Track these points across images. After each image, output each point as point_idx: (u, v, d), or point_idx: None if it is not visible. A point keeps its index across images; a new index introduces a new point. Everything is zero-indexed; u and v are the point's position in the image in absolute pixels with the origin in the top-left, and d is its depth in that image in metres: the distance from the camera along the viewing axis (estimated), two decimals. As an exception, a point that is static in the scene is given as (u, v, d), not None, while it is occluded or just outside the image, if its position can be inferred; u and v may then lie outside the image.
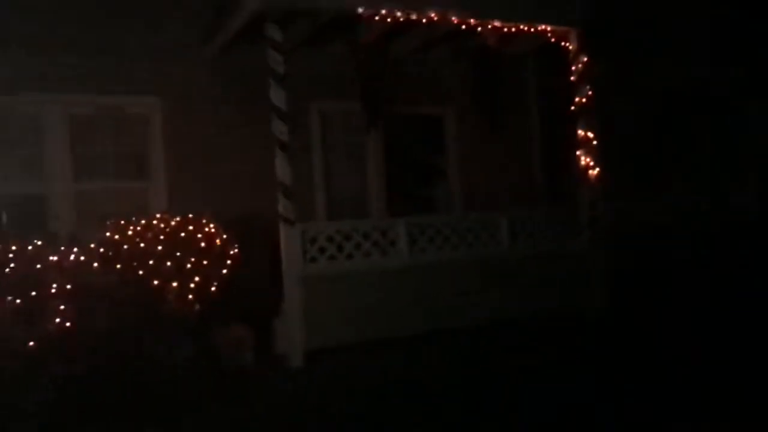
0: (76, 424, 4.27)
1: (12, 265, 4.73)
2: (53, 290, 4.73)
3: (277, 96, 5.77)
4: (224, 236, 5.75)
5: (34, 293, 4.62)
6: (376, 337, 6.08)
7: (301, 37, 6.68)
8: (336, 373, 5.55)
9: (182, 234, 5.51)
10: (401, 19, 6.30)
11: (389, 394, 4.92)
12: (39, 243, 5.07)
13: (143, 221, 5.62)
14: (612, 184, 7.49)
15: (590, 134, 7.12)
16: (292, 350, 5.80)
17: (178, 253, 5.30)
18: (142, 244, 5.29)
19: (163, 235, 5.43)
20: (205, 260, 5.41)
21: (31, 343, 4.43)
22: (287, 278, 5.83)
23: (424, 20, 6.33)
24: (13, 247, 4.92)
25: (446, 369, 5.49)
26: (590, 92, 7.13)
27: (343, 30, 6.83)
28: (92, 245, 5.26)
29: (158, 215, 5.81)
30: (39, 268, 4.83)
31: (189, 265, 5.30)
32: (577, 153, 7.16)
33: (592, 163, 7.10)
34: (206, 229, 5.68)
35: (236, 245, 5.81)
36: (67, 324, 4.62)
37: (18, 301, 4.52)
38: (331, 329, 5.93)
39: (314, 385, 5.31)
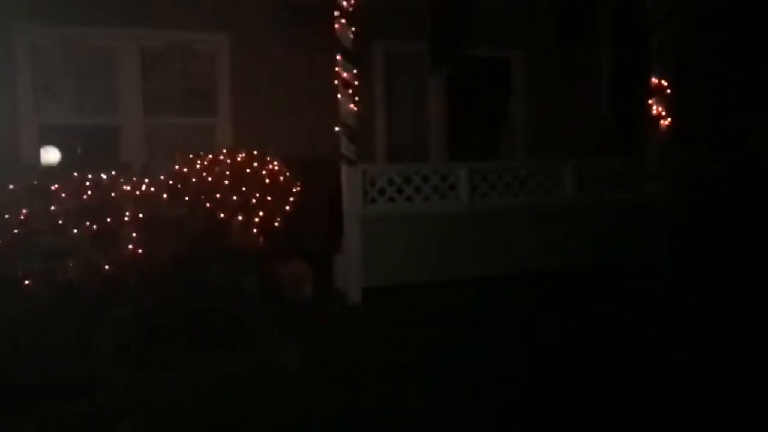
0: (147, 342, 4.53)
1: (89, 192, 4.95)
2: (126, 218, 4.94)
3: (344, 34, 5.73)
4: (287, 174, 5.85)
5: (108, 220, 4.84)
6: (431, 279, 6.17)
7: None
8: (391, 310, 5.67)
9: (248, 170, 5.62)
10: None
11: (441, 329, 5.03)
12: (113, 173, 5.28)
13: (210, 156, 5.76)
14: (686, 134, 7.19)
15: (664, 82, 6.80)
16: (350, 287, 5.94)
17: (244, 188, 5.43)
18: (209, 178, 5.43)
19: (229, 170, 5.56)
20: (270, 196, 5.53)
21: (107, 266, 4.67)
22: (347, 217, 5.92)
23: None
24: (90, 176, 5.14)
25: (501, 311, 5.52)
26: (667, 38, 6.77)
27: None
28: (162, 177, 5.44)
29: (225, 150, 5.94)
30: (113, 197, 5.03)
31: (254, 200, 5.43)
32: (650, 101, 6.87)
33: (664, 112, 6.81)
34: (270, 166, 5.79)
35: (299, 183, 5.91)
36: (139, 250, 4.83)
37: (95, 227, 4.75)
38: (387, 269, 6.03)
39: (369, 320, 5.45)
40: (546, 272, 6.41)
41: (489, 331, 4.97)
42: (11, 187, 4.93)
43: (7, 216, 4.67)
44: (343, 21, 5.69)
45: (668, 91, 6.79)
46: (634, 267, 6.63)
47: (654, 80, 6.84)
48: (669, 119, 6.80)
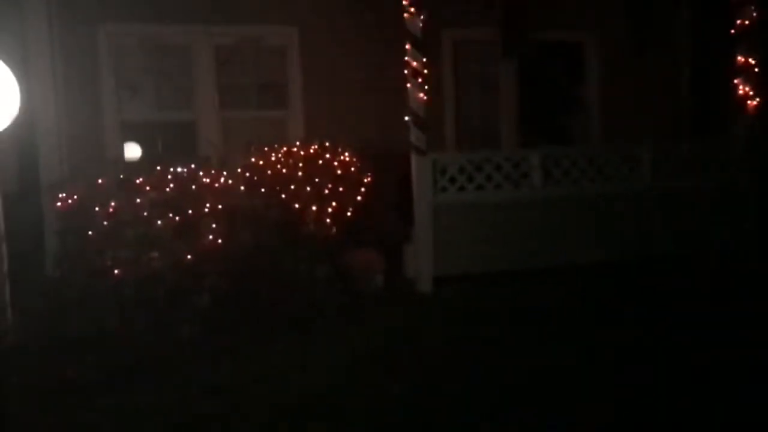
0: (225, 328, 4.70)
1: (171, 185, 5.16)
2: (206, 210, 5.12)
3: (412, 23, 5.72)
4: (358, 164, 5.92)
5: (189, 211, 5.03)
6: (503, 268, 6.09)
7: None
8: (462, 299, 5.66)
9: (320, 161, 5.73)
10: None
11: (512, 320, 4.97)
12: (192, 166, 5.48)
13: (284, 148, 5.89)
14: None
15: (751, 60, 6.44)
16: (421, 276, 5.95)
17: (317, 179, 5.54)
18: (283, 170, 5.57)
19: (302, 161, 5.68)
20: (341, 187, 5.62)
21: (188, 256, 4.87)
22: (417, 206, 5.93)
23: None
24: (171, 169, 5.36)
25: (574, 303, 5.40)
26: (755, 13, 6.40)
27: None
28: (239, 170, 5.61)
29: (298, 143, 6.06)
30: (193, 189, 5.23)
31: (326, 191, 5.53)
32: (735, 81, 6.52)
33: (751, 93, 6.45)
34: (342, 157, 5.87)
35: (370, 173, 5.96)
36: (219, 241, 5.01)
37: (177, 218, 4.95)
38: (458, 258, 6.00)
39: (440, 308, 5.47)
40: (623, 262, 6.21)
41: (563, 324, 4.86)
42: (100, 181, 5.20)
43: (96, 209, 4.93)
44: (412, 10, 5.68)
45: (756, 69, 6.42)
46: (719, 258, 6.30)
47: (740, 58, 6.48)
48: (757, 100, 6.43)
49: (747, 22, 6.43)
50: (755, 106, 6.46)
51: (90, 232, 4.90)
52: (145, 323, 4.64)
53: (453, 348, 4.45)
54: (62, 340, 4.45)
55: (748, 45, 6.47)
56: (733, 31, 6.51)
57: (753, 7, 6.40)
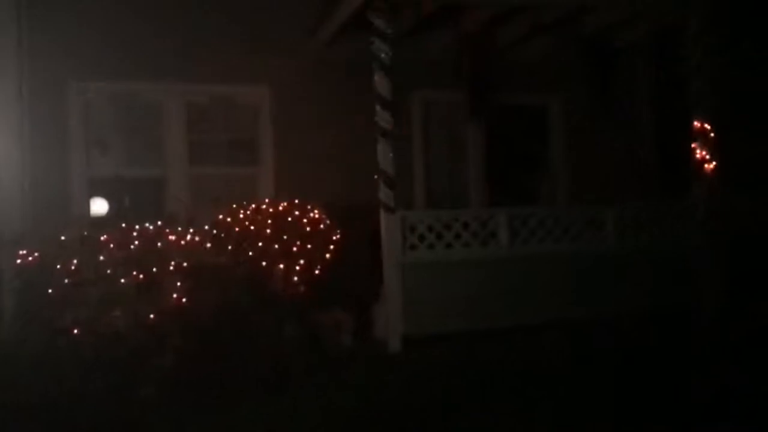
0: (189, 390, 4.55)
1: (136, 242, 5.09)
2: (171, 267, 5.05)
3: (382, 85, 5.85)
4: (328, 222, 5.93)
5: (154, 269, 4.95)
6: (473, 327, 6.06)
7: (405, 27, 6.73)
8: (430, 360, 5.58)
9: (289, 218, 5.73)
10: (508, 6, 6.19)
11: (481, 383, 4.91)
12: (159, 223, 5.43)
13: (253, 205, 5.89)
14: (731, 179, 7.04)
15: (707, 125, 6.71)
16: (390, 336, 5.89)
17: (285, 237, 5.53)
18: (251, 227, 5.55)
19: (271, 218, 5.67)
20: (310, 244, 5.61)
21: (152, 315, 4.76)
22: (387, 265, 5.92)
23: (532, 6, 6.20)
24: (137, 226, 5.29)
25: (539, 363, 5.37)
26: (708, 81, 6.72)
27: (447, 18, 6.81)
28: (206, 226, 5.58)
29: (267, 200, 6.06)
30: (159, 247, 5.17)
31: (295, 248, 5.52)
32: (693, 145, 6.78)
33: (708, 156, 6.70)
34: (311, 215, 5.88)
35: (339, 231, 5.97)
36: (183, 299, 4.92)
37: (141, 276, 4.87)
38: (428, 317, 5.97)
39: (408, 369, 5.37)
40: (587, 321, 6.22)
41: (530, 383, 4.82)
42: (62, 237, 5.11)
43: (58, 266, 4.82)
44: (381, 73, 5.82)
45: (712, 134, 6.69)
46: (676, 317, 6.37)
47: (696, 124, 6.75)
48: (714, 163, 6.68)
49: (701, 89, 6.72)
50: (712, 169, 6.69)
51: (50, 290, 4.78)
52: (106, 385, 4.48)
53: (417, 413, 4.36)
54: (16, 404, 4.26)
55: (703, 110, 6.75)
56: (689, 97, 6.79)
57: (706, 75, 6.71)
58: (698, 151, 6.73)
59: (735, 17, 8.06)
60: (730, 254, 6.76)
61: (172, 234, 5.27)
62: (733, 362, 5.11)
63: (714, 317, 6.46)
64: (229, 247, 5.37)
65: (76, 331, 4.64)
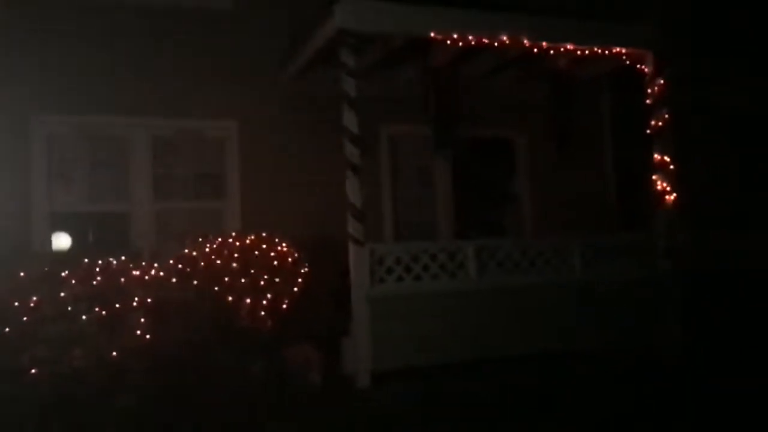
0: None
1: (99, 278, 4.98)
2: (134, 303, 4.95)
3: (350, 119, 5.89)
4: (296, 255, 5.89)
5: (117, 305, 4.85)
6: (442, 360, 6.04)
7: (373, 61, 6.83)
8: (400, 396, 5.52)
9: (256, 252, 5.67)
10: (473, 43, 6.33)
11: (451, 418, 4.87)
12: (123, 258, 5.34)
13: (219, 239, 5.82)
14: (691, 211, 7.23)
15: (667, 158, 6.91)
16: (359, 371, 5.82)
17: (252, 271, 5.46)
18: (218, 261, 5.48)
19: (237, 252, 5.61)
20: (278, 278, 5.55)
21: (114, 353, 4.64)
22: (355, 298, 5.88)
23: (495, 44, 6.35)
24: (99, 262, 5.19)
25: (509, 397, 5.36)
26: (667, 115, 6.94)
27: (414, 53, 6.93)
28: (171, 261, 5.48)
29: (233, 233, 6.00)
30: (122, 282, 5.07)
31: (262, 282, 5.45)
32: (653, 177, 6.96)
33: (668, 188, 6.88)
34: (279, 248, 5.84)
35: (307, 265, 5.93)
36: (147, 336, 4.81)
37: (103, 312, 4.76)
38: (398, 351, 5.93)
39: (379, 406, 5.30)
40: (556, 353, 6.27)
41: (501, 417, 4.80)
42: (22, 274, 4.98)
43: (16, 303, 4.68)
44: (349, 108, 5.87)
45: (671, 167, 6.88)
46: (642, 350, 6.45)
47: (656, 156, 6.94)
48: (674, 195, 6.86)
49: (660, 123, 6.94)
50: (672, 200, 6.86)
51: (6, 329, 4.63)
52: (66, 427, 4.32)
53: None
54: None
55: (663, 143, 6.96)
56: (648, 131, 7.00)
57: (664, 110, 6.94)
58: (659, 183, 6.91)
59: (694, 53, 8.39)
60: (690, 289, 6.90)
61: (135, 269, 5.19)
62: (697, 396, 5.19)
63: (676, 351, 6.55)
64: (195, 282, 5.27)
65: (34, 371, 4.49)
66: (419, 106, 7.80)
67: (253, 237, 5.87)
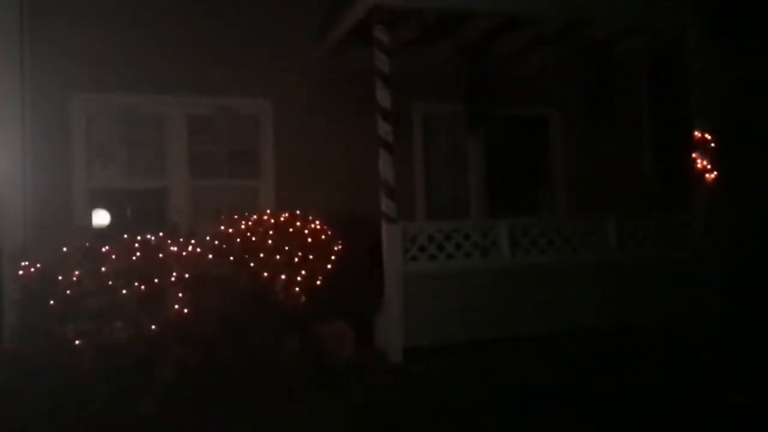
0: (190, 402, 4.54)
1: (137, 253, 5.09)
2: (173, 278, 5.05)
3: (383, 96, 5.87)
4: (329, 233, 5.93)
5: (156, 280, 4.95)
6: (474, 337, 6.06)
7: (406, 39, 6.77)
8: (432, 371, 5.57)
9: (290, 229, 5.73)
10: (508, 18, 6.22)
11: (484, 394, 4.89)
12: (160, 234, 5.44)
13: (254, 216, 5.89)
14: (731, 189, 7.05)
15: (708, 135, 6.73)
16: (391, 347, 5.87)
17: (287, 248, 5.52)
18: (253, 238, 5.55)
19: (272, 229, 5.67)
20: (311, 255, 5.60)
21: (153, 327, 4.76)
22: (387, 275, 5.92)
23: (532, 19, 6.23)
24: (138, 237, 5.30)
25: (544, 374, 5.36)
26: (709, 91, 6.74)
27: (448, 31, 6.85)
28: (207, 238, 5.58)
29: (268, 211, 6.07)
30: (161, 258, 5.17)
31: (296, 259, 5.51)
32: (693, 155, 6.79)
33: (709, 167, 6.71)
34: (312, 226, 5.88)
35: (340, 242, 5.97)
36: (185, 310, 4.92)
37: (142, 287, 4.87)
38: (429, 328, 5.96)
39: (410, 381, 5.35)
40: (590, 330, 6.23)
41: (533, 395, 4.80)
42: (64, 249, 5.12)
43: (60, 277, 4.82)
44: (382, 85, 5.85)
45: (712, 144, 6.70)
46: (681, 327, 6.38)
47: (697, 134, 6.77)
48: (714, 173, 6.69)
49: (702, 99, 6.75)
50: (713, 179, 6.70)
51: (51, 302, 4.78)
52: (106, 397, 4.47)
53: (420, 427, 4.33)
54: (17, 415, 4.25)
55: (704, 120, 6.77)
56: (688, 108, 6.82)
57: (707, 86, 6.74)
58: (699, 161, 6.74)
59: (735, 29, 8.10)
60: (731, 266, 6.76)
61: (173, 245, 5.27)
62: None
63: (716, 326, 6.46)
64: (231, 258, 5.36)
65: (77, 342, 4.64)
66: (453, 84, 7.73)
67: (287, 214, 5.92)
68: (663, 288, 6.54)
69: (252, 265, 5.37)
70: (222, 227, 5.73)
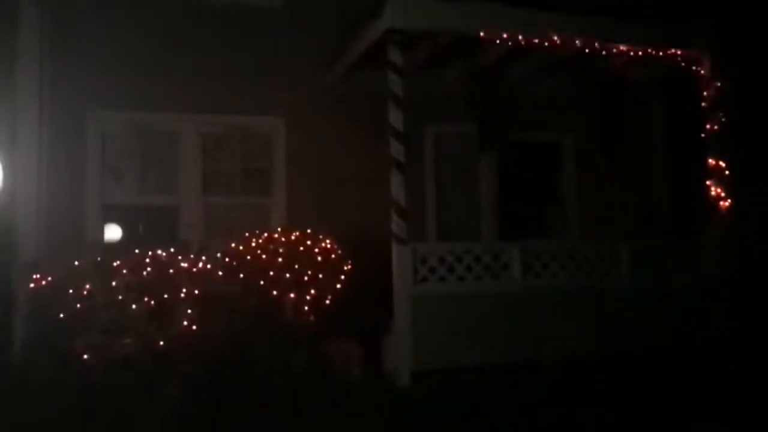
0: (196, 421, 4.50)
1: (148, 269, 5.11)
2: (182, 295, 5.05)
3: (396, 118, 5.90)
4: (339, 252, 5.93)
5: (165, 296, 4.96)
6: (483, 361, 5.98)
7: (420, 61, 6.81)
8: (440, 396, 5.50)
9: (300, 248, 5.73)
10: (522, 43, 6.26)
11: (492, 420, 4.82)
12: (171, 250, 5.46)
13: (265, 234, 5.90)
14: (745, 216, 6.99)
15: (722, 163, 6.70)
16: (399, 369, 5.82)
17: (296, 266, 5.52)
18: (263, 256, 5.55)
19: (282, 248, 5.68)
20: (321, 274, 5.60)
21: (161, 342, 4.75)
22: (397, 296, 5.89)
23: (546, 44, 6.26)
24: (149, 253, 5.32)
25: (551, 401, 5.28)
26: (723, 119, 6.73)
27: (461, 53, 6.89)
28: (218, 255, 5.59)
29: (279, 229, 6.08)
30: (171, 273, 5.18)
31: (306, 278, 5.50)
32: (707, 183, 6.75)
33: (723, 194, 6.66)
34: (323, 245, 5.88)
35: (350, 261, 5.96)
36: (194, 327, 4.91)
37: (152, 302, 4.87)
38: (438, 350, 5.90)
39: (416, 406, 5.28)
40: (600, 358, 6.13)
41: (538, 424, 4.72)
42: (76, 263, 5.14)
43: (71, 291, 4.84)
44: (395, 106, 5.87)
45: (726, 172, 6.67)
46: (689, 357, 6.29)
47: (711, 161, 6.74)
48: (728, 201, 6.64)
49: (716, 127, 6.74)
50: (727, 207, 6.65)
51: (61, 315, 4.79)
52: (111, 414, 4.44)
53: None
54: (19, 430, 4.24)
55: (719, 148, 6.75)
56: (703, 135, 6.80)
57: (722, 113, 6.73)
58: (713, 189, 6.70)
59: (749, 57, 8.10)
60: (745, 296, 6.67)
61: (184, 261, 5.29)
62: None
63: (723, 357, 6.35)
64: (241, 276, 5.36)
65: (85, 356, 4.63)
66: (465, 106, 7.75)
67: (298, 233, 5.93)
68: (674, 316, 6.46)
69: (262, 282, 5.36)
70: (233, 244, 5.74)
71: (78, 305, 4.79)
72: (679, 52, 6.70)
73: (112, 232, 6.98)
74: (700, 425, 4.59)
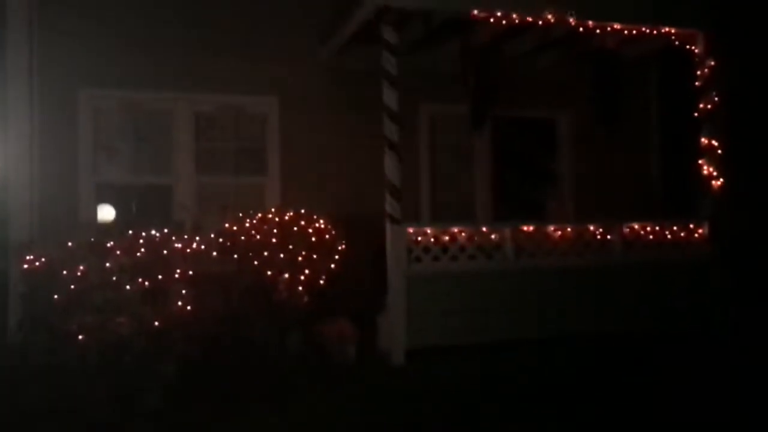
0: (192, 399, 4.55)
1: (142, 249, 5.11)
2: (176, 275, 5.06)
3: (389, 97, 5.87)
4: (333, 232, 5.94)
5: (160, 276, 4.97)
6: (477, 340, 6.05)
7: (414, 39, 6.77)
8: (434, 374, 5.56)
9: (295, 228, 5.74)
10: (516, 22, 6.21)
11: (485, 397, 4.89)
12: (165, 230, 5.45)
13: (259, 214, 5.90)
14: (738, 195, 7.02)
15: (714, 142, 6.72)
16: (394, 347, 5.87)
17: (291, 246, 5.53)
18: (257, 236, 5.56)
19: (276, 228, 5.68)
20: (315, 254, 5.61)
21: (156, 323, 4.77)
22: (391, 276, 5.92)
23: (540, 23, 6.22)
24: (143, 233, 5.31)
25: (545, 378, 5.35)
26: (716, 98, 6.72)
27: (455, 31, 6.84)
28: (212, 235, 5.58)
29: (273, 209, 6.08)
30: (165, 254, 5.18)
31: (300, 258, 5.51)
32: (700, 162, 6.77)
33: (715, 173, 6.69)
34: (317, 225, 5.89)
35: (344, 241, 5.97)
36: (188, 307, 4.93)
37: (147, 283, 4.88)
38: (432, 329, 5.96)
39: (411, 383, 5.33)
40: (594, 335, 6.22)
41: (535, 399, 4.80)
42: (69, 244, 5.14)
43: (65, 272, 4.84)
44: (389, 85, 5.84)
45: (719, 151, 6.68)
46: (685, 333, 6.38)
47: (704, 140, 6.76)
48: (721, 180, 6.67)
49: (709, 106, 6.74)
50: (719, 185, 6.68)
51: (56, 296, 4.80)
52: (109, 392, 4.48)
53: (421, 428, 4.33)
54: (18, 411, 4.27)
55: (711, 127, 6.76)
56: (696, 114, 6.80)
57: (714, 93, 6.72)
58: (705, 167, 6.72)
59: (743, 34, 8.06)
60: (736, 272, 6.74)
61: (177, 242, 5.28)
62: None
63: (725, 332, 6.44)
64: (235, 256, 5.37)
65: (81, 337, 4.65)
66: (460, 85, 7.71)
67: (292, 213, 5.93)
68: (668, 293, 6.52)
69: (256, 263, 5.37)
70: (226, 225, 5.74)
71: (72, 286, 4.79)
72: (673, 31, 6.67)
73: (106, 212, 6.98)
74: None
